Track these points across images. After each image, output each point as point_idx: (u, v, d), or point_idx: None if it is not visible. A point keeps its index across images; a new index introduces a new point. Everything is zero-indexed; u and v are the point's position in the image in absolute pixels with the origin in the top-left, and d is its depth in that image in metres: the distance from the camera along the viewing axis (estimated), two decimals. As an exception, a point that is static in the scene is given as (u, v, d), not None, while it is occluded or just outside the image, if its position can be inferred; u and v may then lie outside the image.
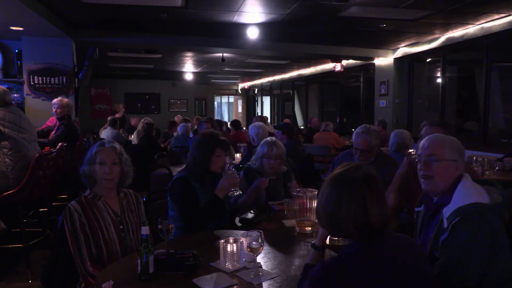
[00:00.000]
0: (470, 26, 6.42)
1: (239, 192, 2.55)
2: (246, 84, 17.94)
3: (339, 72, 9.82)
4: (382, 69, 8.96)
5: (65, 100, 4.95)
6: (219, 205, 2.40)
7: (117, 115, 10.15)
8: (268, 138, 3.05)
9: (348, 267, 1.29)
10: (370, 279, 1.25)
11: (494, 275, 1.48)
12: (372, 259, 1.29)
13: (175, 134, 7.92)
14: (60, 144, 3.96)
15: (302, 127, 13.05)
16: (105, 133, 8.38)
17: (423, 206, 1.81)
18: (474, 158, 4.51)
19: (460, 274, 1.44)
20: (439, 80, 7.78)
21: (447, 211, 1.59)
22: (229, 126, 8.13)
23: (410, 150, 3.07)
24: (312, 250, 1.63)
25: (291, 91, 14.61)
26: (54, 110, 4.86)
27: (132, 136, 8.71)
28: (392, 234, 1.41)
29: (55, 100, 4.89)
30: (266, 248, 2.03)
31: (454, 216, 1.54)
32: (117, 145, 2.16)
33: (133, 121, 10.37)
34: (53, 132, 4.87)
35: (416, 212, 1.88)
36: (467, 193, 1.58)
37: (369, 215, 1.33)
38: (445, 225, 1.56)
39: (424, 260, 1.37)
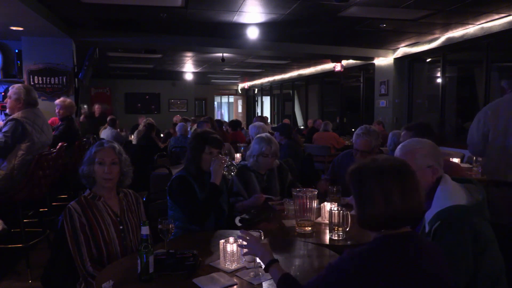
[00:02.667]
0: (470, 26, 6.42)
1: (235, 171, 2.54)
2: (246, 84, 17.94)
3: (339, 72, 9.82)
4: (382, 69, 8.96)
5: (67, 100, 4.94)
6: (218, 192, 2.42)
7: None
8: (263, 135, 3.04)
9: (375, 261, 1.26)
10: (393, 276, 1.23)
11: (483, 274, 1.47)
12: (398, 258, 1.27)
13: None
14: (60, 144, 3.96)
15: (302, 127, 13.05)
16: (105, 133, 8.39)
17: None
18: (474, 158, 4.51)
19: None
20: (439, 80, 7.78)
21: (428, 216, 1.58)
22: (227, 126, 8.11)
23: None
24: (272, 269, 1.56)
25: (291, 91, 14.61)
26: (56, 110, 4.84)
27: (133, 136, 8.72)
28: (419, 237, 1.39)
29: (57, 101, 4.88)
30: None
31: (434, 220, 1.54)
32: (116, 145, 2.16)
33: (140, 120, 10.22)
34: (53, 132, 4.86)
35: None
36: (446, 196, 1.57)
37: (391, 207, 1.31)
38: (427, 229, 1.57)
39: (446, 270, 1.34)
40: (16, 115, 3.54)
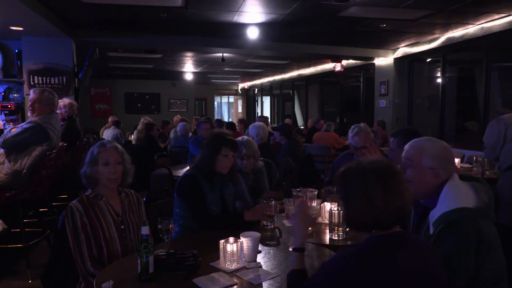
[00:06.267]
0: (470, 26, 6.42)
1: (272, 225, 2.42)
2: (246, 84, 17.93)
3: (339, 72, 9.82)
4: (382, 69, 8.96)
5: (67, 100, 4.94)
6: (239, 223, 2.33)
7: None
8: (239, 138, 3.05)
9: (364, 262, 1.27)
10: (383, 276, 1.24)
11: (484, 275, 1.47)
12: (387, 258, 1.27)
13: (171, 133, 7.93)
14: (60, 144, 3.97)
15: (302, 127, 13.04)
16: (107, 132, 8.42)
17: (412, 207, 1.81)
18: (474, 158, 4.51)
19: (448, 279, 1.43)
20: (439, 80, 7.79)
21: (432, 216, 1.57)
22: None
23: None
24: (294, 254, 1.58)
25: (291, 91, 14.61)
26: (58, 111, 4.82)
27: (132, 136, 8.73)
28: (414, 236, 1.40)
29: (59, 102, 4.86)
30: (266, 248, 2.03)
31: (439, 222, 1.52)
32: (118, 145, 2.17)
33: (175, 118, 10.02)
34: None
35: None
36: (452, 197, 1.55)
37: (375, 208, 1.31)
38: (431, 231, 1.55)
39: (440, 269, 1.35)
40: (39, 120, 3.56)
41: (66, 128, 4.73)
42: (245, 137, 3.10)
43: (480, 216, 1.51)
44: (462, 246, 1.46)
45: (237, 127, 7.93)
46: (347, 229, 2.20)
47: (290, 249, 1.65)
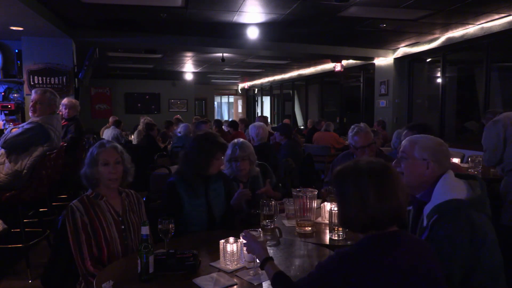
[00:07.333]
0: (470, 26, 6.42)
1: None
2: (246, 84, 17.93)
3: (339, 72, 9.82)
4: (382, 69, 8.96)
5: (73, 100, 4.94)
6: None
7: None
8: (235, 140, 2.99)
9: (360, 261, 1.28)
10: (378, 275, 1.24)
11: (482, 269, 1.47)
12: (382, 257, 1.28)
13: (171, 133, 7.95)
14: (60, 144, 3.97)
15: (302, 127, 13.04)
16: (107, 132, 8.44)
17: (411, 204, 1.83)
18: (475, 158, 4.50)
19: (445, 272, 1.44)
20: (439, 80, 7.79)
21: (426, 209, 1.60)
22: (223, 127, 8.01)
23: None
24: (266, 266, 1.57)
25: (291, 91, 14.61)
26: (64, 111, 4.80)
27: (133, 136, 8.74)
28: (408, 235, 1.40)
29: (63, 101, 4.84)
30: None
31: (432, 214, 1.55)
32: (117, 144, 2.17)
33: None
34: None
35: (408, 210, 1.89)
36: (445, 190, 1.59)
37: (368, 208, 1.32)
38: (425, 223, 1.57)
39: (436, 266, 1.35)
40: (40, 120, 3.57)
41: (76, 128, 4.72)
42: (241, 139, 3.02)
43: (472, 207, 1.53)
44: (456, 236, 1.47)
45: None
46: (347, 229, 2.20)
47: (259, 268, 1.65)
